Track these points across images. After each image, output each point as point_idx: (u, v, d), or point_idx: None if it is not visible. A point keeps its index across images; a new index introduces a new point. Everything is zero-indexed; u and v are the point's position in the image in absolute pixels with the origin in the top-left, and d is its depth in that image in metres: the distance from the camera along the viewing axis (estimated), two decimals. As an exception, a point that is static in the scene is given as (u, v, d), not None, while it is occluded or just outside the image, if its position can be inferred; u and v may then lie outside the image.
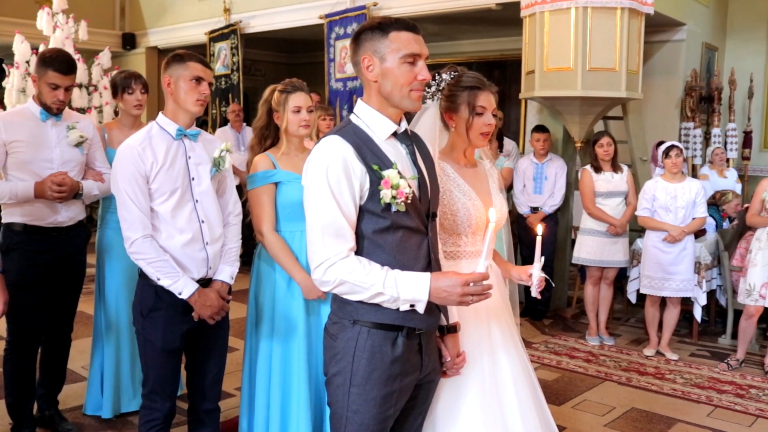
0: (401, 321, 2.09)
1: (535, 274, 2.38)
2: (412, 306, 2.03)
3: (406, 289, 2.01)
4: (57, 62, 3.47)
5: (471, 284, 1.99)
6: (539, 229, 2.34)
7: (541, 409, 2.62)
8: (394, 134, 2.16)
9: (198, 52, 3.13)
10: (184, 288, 2.84)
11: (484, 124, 2.53)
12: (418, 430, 2.36)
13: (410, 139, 2.21)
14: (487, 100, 2.53)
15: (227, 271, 3.05)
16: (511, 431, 2.42)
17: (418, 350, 2.18)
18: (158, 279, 2.82)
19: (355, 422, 2.12)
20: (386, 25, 2.08)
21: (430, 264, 2.17)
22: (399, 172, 2.05)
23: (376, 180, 2.04)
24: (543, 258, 2.37)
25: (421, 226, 2.14)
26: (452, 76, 2.58)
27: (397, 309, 2.05)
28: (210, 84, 2.94)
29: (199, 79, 2.88)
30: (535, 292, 2.40)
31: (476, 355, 2.43)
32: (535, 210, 6.55)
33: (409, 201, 2.05)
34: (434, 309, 2.18)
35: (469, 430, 2.38)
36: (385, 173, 2.04)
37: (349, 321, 2.12)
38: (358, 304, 2.08)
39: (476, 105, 2.52)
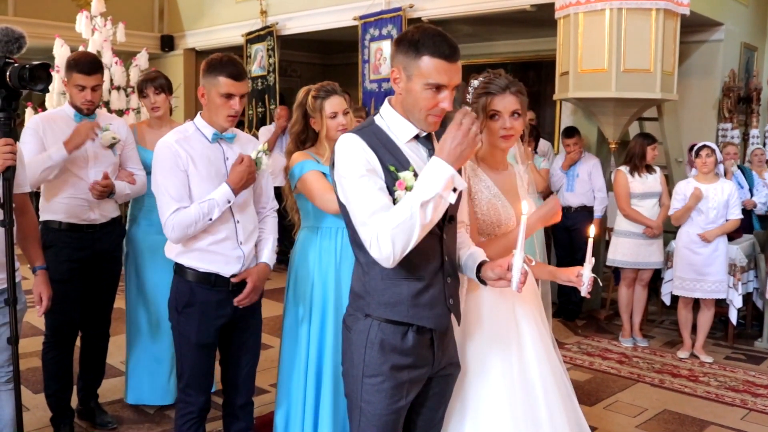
0: (410, 319, 2.12)
1: (585, 275, 2.37)
2: (455, 189, 1.96)
3: (434, 185, 1.92)
4: (80, 64, 3.61)
5: (462, 120, 1.94)
6: (592, 230, 2.33)
7: (573, 410, 2.62)
8: (416, 137, 2.16)
9: (235, 54, 3.14)
10: (221, 195, 2.86)
11: (499, 128, 2.53)
12: (439, 422, 2.39)
13: (432, 143, 2.19)
14: (502, 103, 2.52)
15: (267, 255, 3.09)
16: (539, 425, 2.44)
17: (430, 345, 2.20)
18: (210, 219, 2.85)
19: (368, 412, 2.17)
20: (422, 46, 2.01)
21: (443, 265, 2.18)
22: (415, 174, 2.05)
23: (391, 181, 2.05)
24: (593, 259, 2.37)
25: (434, 227, 2.09)
26: (480, 82, 2.59)
27: (407, 307, 2.09)
28: (242, 96, 2.90)
29: (229, 95, 2.87)
30: (584, 292, 2.41)
31: (504, 351, 2.45)
32: (567, 209, 6.52)
33: None
34: (444, 309, 2.19)
35: (497, 421, 2.40)
36: (401, 175, 2.05)
37: (362, 314, 2.17)
38: (370, 299, 2.13)
39: (489, 109, 2.52)
